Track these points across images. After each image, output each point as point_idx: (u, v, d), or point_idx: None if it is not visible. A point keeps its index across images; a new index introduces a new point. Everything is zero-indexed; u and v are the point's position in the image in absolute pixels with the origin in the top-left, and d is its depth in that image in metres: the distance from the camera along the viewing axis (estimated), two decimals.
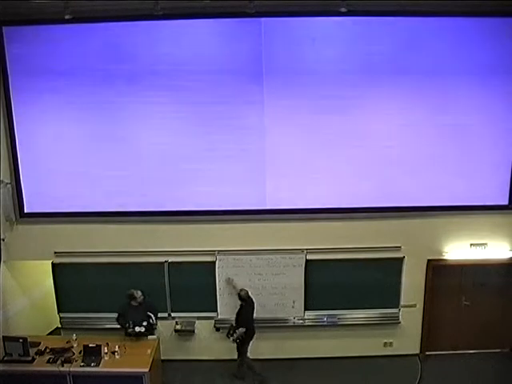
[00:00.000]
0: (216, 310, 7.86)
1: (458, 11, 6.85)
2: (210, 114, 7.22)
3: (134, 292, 7.20)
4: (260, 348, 7.99)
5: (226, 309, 7.83)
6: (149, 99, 7.19)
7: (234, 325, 7.41)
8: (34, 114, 7.28)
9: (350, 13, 6.53)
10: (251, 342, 7.56)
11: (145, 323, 7.13)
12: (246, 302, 7.36)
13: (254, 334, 7.52)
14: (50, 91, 7.19)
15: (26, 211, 7.63)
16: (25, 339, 6.72)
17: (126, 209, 7.51)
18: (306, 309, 7.87)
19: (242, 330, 7.29)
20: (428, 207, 7.52)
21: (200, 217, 7.53)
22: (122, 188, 7.47)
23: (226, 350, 8.01)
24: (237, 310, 7.45)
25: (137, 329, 7.10)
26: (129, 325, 7.13)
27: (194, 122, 7.29)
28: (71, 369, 6.64)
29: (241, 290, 7.40)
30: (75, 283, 7.81)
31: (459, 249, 7.68)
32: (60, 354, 6.82)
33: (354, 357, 7.98)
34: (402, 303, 7.88)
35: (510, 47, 6.98)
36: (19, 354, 6.70)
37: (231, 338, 7.37)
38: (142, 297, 7.24)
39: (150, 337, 7.30)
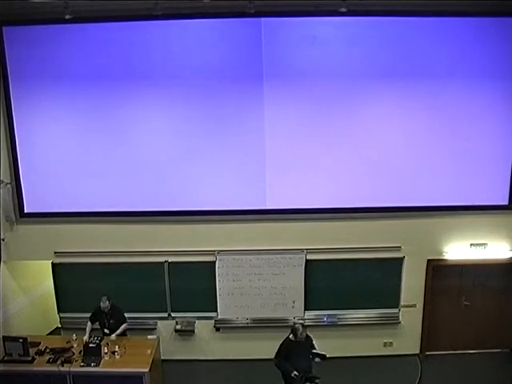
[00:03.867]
0: (216, 310, 7.86)
1: (461, 11, 6.84)
2: (210, 113, 7.22)
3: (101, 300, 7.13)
4: (260, 348, 7.99)
5: (226, 309, 7.84)
6: (149, 100, 7.19)
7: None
8: (34, 115, 7.28)
9: (350, 13, 6.51)
10: None
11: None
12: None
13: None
14: (50, 91, 7.19)
15: (26, 211, 7.63)
16: (25, 339, 6.72)
17: (126, 209, 7.51)
18: (306, 309, 7.87)
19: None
20: (428, 207, 7.52)
21: (200, 217, 7.53)
22: (122, 188, 7.47)
23: (226, 350, 8.04)
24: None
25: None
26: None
27: (194, 121, 7.29)
28: (71, 369, 6.63)
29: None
30: (75, 283, 7.80)
31: (459, 249, 7.68)
32: (60, 354, 6.81)
33: (354, 357, 7.97)
34: (401, 303, 7.88)
35: (508, 47, 6.98)
36: (19, 354, 6.69)
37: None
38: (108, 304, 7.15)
39: (149, 337, 7.31)
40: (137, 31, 6.96)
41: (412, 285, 7.80)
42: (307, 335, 6.48)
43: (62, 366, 6.65)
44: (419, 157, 7.33)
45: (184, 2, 6.68)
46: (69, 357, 6.78)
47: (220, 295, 7.80)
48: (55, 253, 7.73)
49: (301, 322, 6.53)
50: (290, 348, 6.40)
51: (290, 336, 6.43)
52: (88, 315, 7.62)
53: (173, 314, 7.92)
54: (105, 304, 7.08)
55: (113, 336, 7.07)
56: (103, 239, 7.66)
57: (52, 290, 7.93)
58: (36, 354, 6.85)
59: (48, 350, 6.92)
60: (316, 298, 7.84)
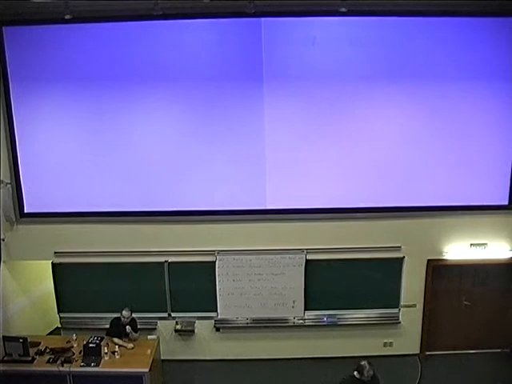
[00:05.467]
0: (216, 310, 7.86)
1: (462, 11, 6.84)
2: (210, 113, 7.22)
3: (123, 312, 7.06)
4: (260, 348, 7.99)
5: (226, 309, 7.83)
6: (148, 100, 7.18)
7: None
8: (34, 115, 7.27)
9: (350, 13, 6.51)
10: None
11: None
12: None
13: None
14: (51, 91, 7.18)
15: (26, 211, 7.62)
16: (25, 339, 6.72)
17: (126, 209, 7.50)
18: (306, 309, 7.87)
19: None
20: (428, 207, 7.51)
21: (200, 217, 7.52)
22: (122, 188, 7.47)
23: (226, 350, 8.04)
24: None
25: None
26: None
27: (194, 121, 7.28)
28: (71, 369, 6.63)
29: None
30: (75, 283, 7.80)
31: (459, 249, 7.67)
32: (60, 354, 6.81)
33: (354, 357, 7.94)
34: (401, 303, 7.88)
35: (509, 48, 6.98)
36: (19, 354, 6.69)
37: None
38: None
39: (149, 337, 7.31)
40: (137, 31, 6.95)
41: (412, 285, 7.80)
42: (375, 377, 5.92)
43: (62, 366, 6.65)
44: (419, 157, 7.32)
45: (184, 2, 6.69)
46: (69, 357, 6.78)
47: (220, 295, 7.79)
48: (55, 253, 7.73)
49: (368, 360, 5.90)
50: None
51: (355, 373, 5.88)
52: (88, 315, 7.66)
53: (173, 314, 7.92)
54: (128, 313, 7.02)
55: (130, 345, 7.04)
56: (103, 239, 7.65)
57: (52, 290, 7.92)
58: (36, 354, 6.84)
59: (48, 350, 6.92)
60: (316, 298, 7.84)
